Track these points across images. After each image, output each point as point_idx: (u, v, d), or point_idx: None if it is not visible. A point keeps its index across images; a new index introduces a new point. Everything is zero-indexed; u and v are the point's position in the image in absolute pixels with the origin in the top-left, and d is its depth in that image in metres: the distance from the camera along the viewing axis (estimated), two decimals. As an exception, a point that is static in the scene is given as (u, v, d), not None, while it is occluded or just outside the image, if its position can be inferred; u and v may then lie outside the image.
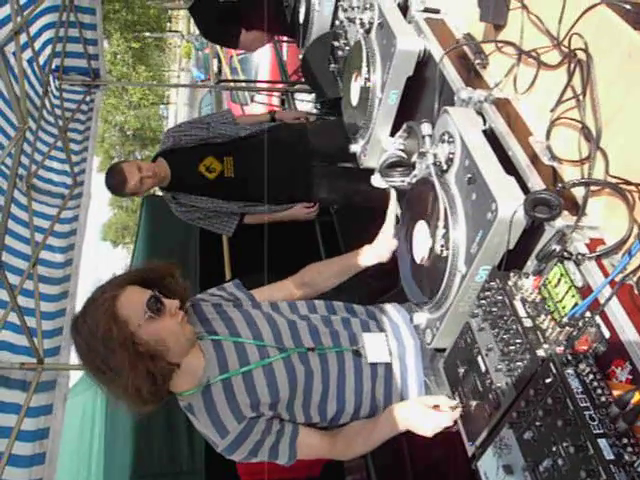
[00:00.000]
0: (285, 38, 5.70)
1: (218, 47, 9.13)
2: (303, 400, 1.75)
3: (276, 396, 1.70)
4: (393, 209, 1.96)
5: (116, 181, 3.11)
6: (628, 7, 1.26)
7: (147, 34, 24.31)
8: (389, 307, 2.02)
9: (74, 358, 3.09)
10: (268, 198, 3.12)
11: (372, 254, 1.97)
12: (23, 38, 3.51)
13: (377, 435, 1.77)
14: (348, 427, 1.82)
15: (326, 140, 3.34)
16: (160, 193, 3.47)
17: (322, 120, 3.86)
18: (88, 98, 4.54)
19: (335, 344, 1.82)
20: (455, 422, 1.55)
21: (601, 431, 1.03)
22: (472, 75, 1.73)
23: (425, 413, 1.65)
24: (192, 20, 4.18)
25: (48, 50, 4.10)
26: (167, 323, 1.59)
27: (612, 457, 0.99)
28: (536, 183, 1.36)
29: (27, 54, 3.78)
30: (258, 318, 1.80)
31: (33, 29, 3.81)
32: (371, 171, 1.95)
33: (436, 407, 1.63)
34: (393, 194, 1.94)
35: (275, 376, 1.71)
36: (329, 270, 2.01)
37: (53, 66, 4.21)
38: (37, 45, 3.94)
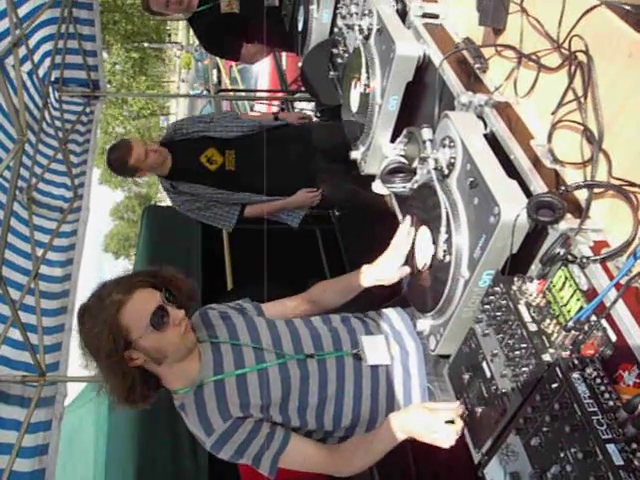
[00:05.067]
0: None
1: (218, 58, 9.20)
2: (299, 404, 1.74)
3: (267, 399, 1.70)
4: (404, 241, 1.76)
5: (121, 151, 3.17)
6: (628, 8, 1.25)
7: (146, 44, 24.40)
8: (390, 312, 2.00)
9: (72, 371, 3.07)
10: (269, 192, 3.18)
11: (375, 278, 1.85)
12: (22, 51, 3.51)
13: (379, 445, 1.73)
14: (348, 441, 1.80)
15: (328, 138, 3.34)
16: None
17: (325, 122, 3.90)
18: (88, 109, 4.54)
19: (336, 348, 1.81)
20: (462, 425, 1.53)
21: (609, 436, 1.02)
22: (472, 79, 1.73)
23: (427, 414, 1.62)
24: (191, 31, 4.20)
25: (47, 62, 4.10)
26: (169, 335, 1.61)
27: (621, 462, 0.98)
28: (539, 186, 1.35)
29: (27, 66, 3.78)
30: (260, 324, 1.83)
31: (32, 41, 3.81)
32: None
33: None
34: (407, 222, 1.75)
35: (269, 380, 1.72)
36: (334, 288, 2.00)
37: (52, 78, 4.21)
38: (36, 57, 3.93)
